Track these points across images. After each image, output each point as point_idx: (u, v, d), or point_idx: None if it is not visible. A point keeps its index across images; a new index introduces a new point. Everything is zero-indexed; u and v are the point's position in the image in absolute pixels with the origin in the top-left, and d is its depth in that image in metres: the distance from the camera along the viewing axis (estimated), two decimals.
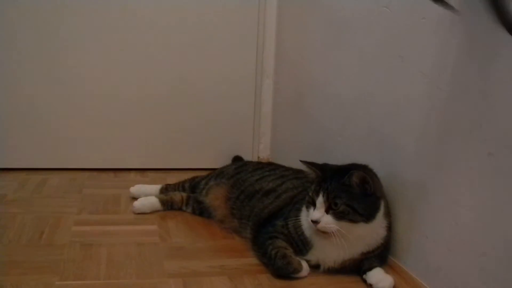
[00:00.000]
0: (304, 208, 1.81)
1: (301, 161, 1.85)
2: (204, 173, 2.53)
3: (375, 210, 1.73)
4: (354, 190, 1.69)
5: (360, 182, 1.69)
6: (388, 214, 1.80)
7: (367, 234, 1.74)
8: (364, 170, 1.75)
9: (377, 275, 1.74)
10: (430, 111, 1.63)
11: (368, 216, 1.70)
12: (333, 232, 1.68)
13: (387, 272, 1.76)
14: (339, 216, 1.68)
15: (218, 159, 2.84)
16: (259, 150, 3.27)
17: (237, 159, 2.93)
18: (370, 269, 1.76)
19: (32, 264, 1.77)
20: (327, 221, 1.68)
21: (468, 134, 1.45)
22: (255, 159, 3.20)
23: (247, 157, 3.01)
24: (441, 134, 1.57)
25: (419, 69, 1.68)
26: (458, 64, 1.50)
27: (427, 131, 1.64)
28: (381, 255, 1.81)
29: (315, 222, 1.69)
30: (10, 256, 1.83)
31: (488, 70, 1.39)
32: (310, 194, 1.75)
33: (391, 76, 1.85)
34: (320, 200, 1.70)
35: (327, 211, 1.69)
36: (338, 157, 1.87)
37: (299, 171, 2.21)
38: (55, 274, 1.69)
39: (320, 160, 1.87)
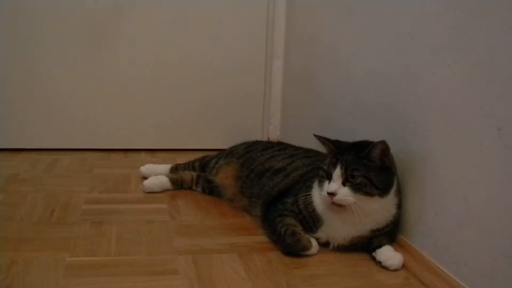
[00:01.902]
0: (315, 185, 1.81)
1: (314, 135, 1.85)
2: (213, 154, 2.53)
3: (390, 185, 1.73)
4: (372, 163, 1.70)
5: (381, 153, 1.69)
6: (399, 192, 1.79)
7: (379, 210, 1.75)
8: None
9: (386, 253, 1.74)
10: (439, 87, 1.62)
11: (383, 190, 1.70)
12: (349, 205, 1.68)
13: (396, 250, 1.76)
14: (356, 188, 1.68)
15: (228, 140, 2.83)
16: (269, 131, 3.27)
17: None
18: (379, 246, 1.76)
19: (43, 241, 1.78)
20: (344, 193, 1.68)
21: (478, 109, 1.44)
22: (265, 139, 3.19)
23: (257, 138, 3.00)
24: (451, 110, 1.56)
25: (429, 46, 1.67)
26: (467, 40, 1.49)
27: (437, 107, 1.63)
28: (390, 232, 1.80)
29: (332, 194, 1.68)
30: (21, 233, 1.85)
31: (496, 45, 1.38)
32: (326, 167, 1.74)
33: (401, 53, 1.84)
34: (337, 172, 1.69)
35: (344, 184, 1.69)
36: (348, 136, 1.86)
37: (309, 150, 2.21)
38: (66, 250, 1.71)
39: None
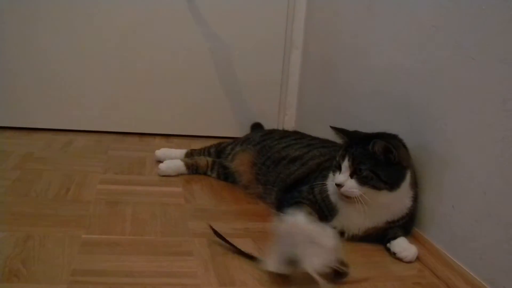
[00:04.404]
0: (330, 174, 1.81)
1: (331, 127, 1.85)
2: (229, 140, 2.54)
3: (400, 179, 1.71)
4: (378, 157, 1.69)
5: (383, 151, 1.68)
6: (415, 185, 1.79)
7: (391, 203, 1.74)
8: (392, 139, 1.75)
9: (401, 244, 1.73)
10: (462, 81, 1.61)
11: (392, 185, 1.69)
12: (356, 197, 1.68)
13: (411, 242, 1.75)
14: (363, 181, 1.68)
15: (243, 129, 2.84)
16: (285, 121, 3.27)
17: (256, 126, 2.94)
18: (394, 238, 1.76)
19: (59, 218, 1.79)
20: (351, 185, 1.69)
21: (501, 104, 1.43)
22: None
23: (272, 128, 3.00)
24: (472, 104, 1.55)
25: (453, 39, 1.66)
26: (493, 34, 1.49)
27: (459, 101, 1.62)
28: (406, 225, 1.80)
29: (339, 185, 1.70)
30: (37, 209, 1.86)
31: None
32: (337, 158, 1.75)
33: (424, 46, 1.84)
34: (345, 164, 1.70)
35: (351, 176, 1.69)
36: (366, 128, 1.86)
37: (325, 140, 2.21)
38: (81, 227, 1.72)
39: None
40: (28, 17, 2.84)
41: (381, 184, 1.68)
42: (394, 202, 1.75)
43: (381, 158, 1.69)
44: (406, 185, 1.74)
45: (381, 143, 1.67)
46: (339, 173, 1.72)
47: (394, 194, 1.71)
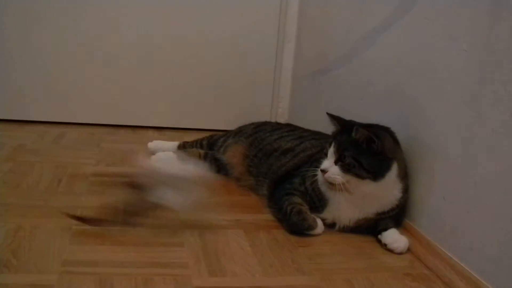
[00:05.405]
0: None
1: (327, 113, 1.85)
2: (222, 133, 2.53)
3: (384, 169, 1.71)
4: (362, 146, 1.70)
5: (365, 140, 1.69)
6: (405, 177, 1.79)
7: (378, 193, 1.75)
8: (380, 130, 1.75)
9: (392, 235, 1.74)
10: (454, 72, 1.61)
11: (375, 174, 1.70)
12: (339, 185, 1.69)
13: (402, 234, 1.76)
14: (346, 168, 1.69)
15: (236, 122, 2.83)
16: (277, 114, 3.26)
17: None
18: (385, 229, 1.76)
19: (50, 209, 1.79)
20: (334, 171, 1.70)
21: (492, 95, 1.43)
22: None
23: (265, 120, 3.00)
24: (464, 96, 1.55)
25: (445, 31, 1.67)
26: (484, 25, 1.49)
27: (450, 92, 1.62)
28: (396, 216, 1.80)
29: (323, 171, 1.72)
30: (28, 200, 1.86)
31: None
32: (326, 146, 1.77)
33: (416, 37, 1.84)
34: (331, 150, 1.73)
35: (336, 163, 1.71)
36: (358, 121, 1.86)
37: (317, 133, 2.21)
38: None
39: None
40: (25, 11, 2.83)
41: (363, 172, 1.69)
42: (381, 193, 1.76)
43: (365, 147, 1.69)
44: (392, 176, 1.73)
45: (363, 131, 1.68)
46: (326, 160, 1.74)
47: (379, 185, 1.72)
